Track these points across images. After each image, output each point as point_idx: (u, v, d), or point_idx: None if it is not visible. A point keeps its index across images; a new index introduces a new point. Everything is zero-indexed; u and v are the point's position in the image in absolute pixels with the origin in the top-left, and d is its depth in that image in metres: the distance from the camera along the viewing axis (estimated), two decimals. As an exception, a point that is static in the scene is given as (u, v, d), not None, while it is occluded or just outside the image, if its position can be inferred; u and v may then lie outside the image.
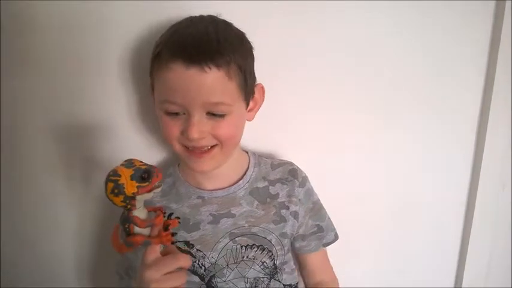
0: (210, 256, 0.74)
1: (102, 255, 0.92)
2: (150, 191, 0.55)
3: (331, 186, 0.87)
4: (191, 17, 0.73)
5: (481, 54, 0.89)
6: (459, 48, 0.88)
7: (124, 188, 0.53)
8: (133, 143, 0.85)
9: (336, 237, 0.84)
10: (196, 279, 0.74)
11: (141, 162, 0.56)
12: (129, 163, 0.56)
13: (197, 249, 0.74)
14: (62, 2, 0.77)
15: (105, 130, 0.84)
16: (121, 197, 0.54)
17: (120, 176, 0.53)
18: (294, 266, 0.81)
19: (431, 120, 0.92)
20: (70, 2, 0.77)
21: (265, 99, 0.79)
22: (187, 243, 0.74)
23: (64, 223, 0.90)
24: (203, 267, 0.74)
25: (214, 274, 0.74)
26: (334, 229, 0.84)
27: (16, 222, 0.89)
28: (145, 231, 0.59)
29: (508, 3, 0.84)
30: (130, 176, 0.53)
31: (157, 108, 0.71)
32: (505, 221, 1.01)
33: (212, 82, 0.65)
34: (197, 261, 0.74)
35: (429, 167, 0.95)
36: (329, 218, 0.84)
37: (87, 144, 0.85)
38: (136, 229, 0.58)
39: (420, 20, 0.86)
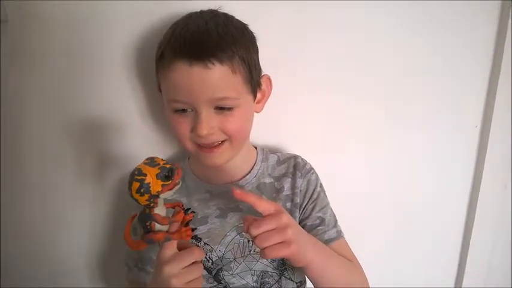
0: (218, 250, 0.75)
1: (111, 253, 0.92)
2: (172, 189, 0.56)
3: (333, 186, 0.87)
4: (190, 13, 0.74)
5: (486, 53, 0.89)
6: (463, 48, 0.89)
7: (150, 187, 0.54)
8: (143, 139, 0.86)
9: (339, 235, 0.78)
10: (204, 272, 0.75)
11: (163, 160, 0.57)
12: (152, 161, 0.56)
13: (205, 243, 0.75)
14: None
15: (113, 126, 0.85)
16: (146, 196, 0.54)
17: (145, 175, 0.54)
18: None
19: (435, 120, 0.93)
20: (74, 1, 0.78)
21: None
22: (194, 236, 0.75)
23: (71, 221, 0.90)
24: (210, 261, 0.75)
25: (221, 267, 0.75)
26: (337, 226, 0.80)
27: (20, 221, 0.89)
28: (165, 227, 0.59)
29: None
30: (156, 174, 0.54)
31: (166, 108, 0.72)
32: (506, 220, 1.02)
33: (216, 78, 0.66)
34: (205, 255, 0.74)
35: (431, 167, 0.96)
36: (333, 215, 0.81)
37: (95, 141, 0.86)
38: (157, 226, 0.58)
39: (424, 20, 0.86)
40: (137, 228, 0.64)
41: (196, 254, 0.61)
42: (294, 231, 0.60)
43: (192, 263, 0.61)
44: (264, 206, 0.60)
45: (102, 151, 0.86)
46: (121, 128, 0.85)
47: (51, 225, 0.90)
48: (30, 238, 0.90)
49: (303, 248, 0.63)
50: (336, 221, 0.81)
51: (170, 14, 0.77)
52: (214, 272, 0.75)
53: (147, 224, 0.58)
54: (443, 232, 1.00)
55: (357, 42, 0.85)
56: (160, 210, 0.58)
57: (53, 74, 0.82)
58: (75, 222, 0.90)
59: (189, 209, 0.65)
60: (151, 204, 0.56)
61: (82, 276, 0.94)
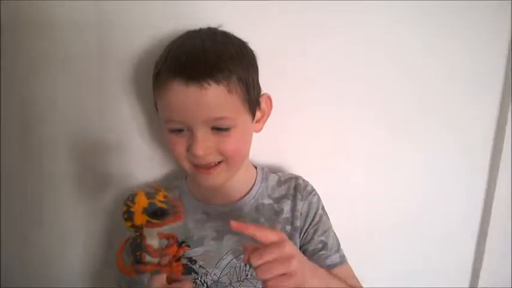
0: (213, 273, 0.72)
1: (107, 262, 0.91)
2: (161, 227, 0.53)
3: (341, 198, 0.86)
4: (188, 31, 0.73)
5: (501, 54, 0.87)
6: (476, 52, 0.87)
7: (133, 217, 0.52)
8: (141, 156, 0.84)
9: (342, 260, 0.76)
10: (198, 296, 0.73)
11: (166, 197, 0.54)
12: (152, 194, 0.54)
13: (200, 266, 0.73)
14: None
15: (113, 141, 0.83)
16: (129, 223, 0.52)
17: (134, 204, 0.52)
18: None
19: (447, 127, 0.90)
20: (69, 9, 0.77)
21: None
22: (189, 258, 0.73)
23: (69, 229, 0.88)
24: (205, 284, 0.72)
25: (216, 292, 0.73)
26: (340, 250, 0.77)
27: (17, 224, 0.87)
28: (156, 259, 0.57)
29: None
30: (143, 208, 0.52)
31: (163, 127, 0.71)
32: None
33: (212, 98, 0.65)
34: (199, 278, 0.72)
35: (445, 171, 0.93)
36: (336, 238, 0.78)
37: (95, 155, 0.84)
38: (147, 258, 0.56)
39: (437, 29, 0.85)
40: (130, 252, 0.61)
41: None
42: (299, 261, 0.57)
43: None
44: (265, 236, 0.57)
45: (102, 165, 0.84)
46: (119, 144, 0.83)
47: (48, 243, 0.88)
48: (27, 254, 0.89)
49: (310, 281, 0.60)
50: (339, 245, 0.78)
51: (172, 30, 0.76)
52: (209, 297, 0.73)
53: (137, 254, 0.55)
54: (457, 238, 0.98)
55: (364, 48, 0.84)
56: (152, 241, 0.56)
57: (49, 86, 0.81)
58: (71, 239, 0.89)
59: (184, 242, 0.63)
60: (137, 233, 0.54)
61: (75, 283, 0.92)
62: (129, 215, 0.52)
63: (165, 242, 0.59)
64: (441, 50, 0.86)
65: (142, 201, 0.52)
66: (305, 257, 0.64)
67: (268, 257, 0.55)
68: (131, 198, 0.53)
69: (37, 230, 0.87)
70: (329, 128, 0.87)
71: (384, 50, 0.85)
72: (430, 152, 0.92)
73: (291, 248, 0.57)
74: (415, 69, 0.86)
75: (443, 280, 0.99)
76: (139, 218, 0.52)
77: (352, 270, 0.77)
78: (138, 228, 0.53)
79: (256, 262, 0.55)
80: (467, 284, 1.00)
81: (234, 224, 0.56)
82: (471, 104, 0.90)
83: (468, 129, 0.91)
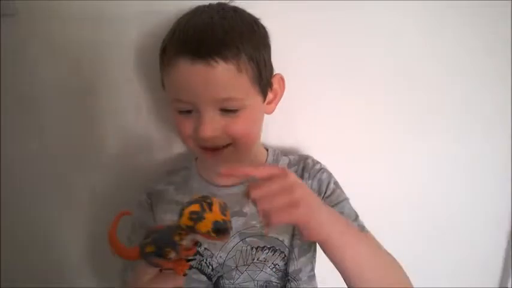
0: (218, 256, 0.71)
1: (107, 256, 0.90)
2: (211, 240, 0.51)
3: (360, 192, 0.81)
4: (197, 7, 0.70)
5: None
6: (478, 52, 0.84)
7: (201, 222, 0.49)
8: (151, 138, 0.83)
9: (362, 229, 0.69)
10: (204, 278, 0.71)
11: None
12: (223, 208, 0.51)
13: (205, 248, 0.71)
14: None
15: (119, 126, 0.83)
16: (188, 223, 0.49)
17: (211, 212, 0.49)
18: (312, 272, 0.75)
19: (466, 122, 0.88)
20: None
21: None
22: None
23: (67, 225, 0.88)
24: (210, 267, 0.71)
25: (222, 275, 0.71)
26: (358, 220, 0.71)
27: (17, 224, 0.87)
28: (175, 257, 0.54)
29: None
30: (215, 221, 0.49)
31: (170, 106, 0.69)
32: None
33: (220, 77, 0.62)
34: (204, 260, 0.71)
35: (471, 170, 0.91)
36: (353, 210, 0.72)
37: (95, 143, 0.83)
38: (171, 255, 0.53)
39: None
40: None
41: (179, 281, 0.56)
42: (304, 191, 0.52)
43: None
44: (263, 170, 0.52)
45: (103, 155, 0.84)
46: (129, 124, 0.83)
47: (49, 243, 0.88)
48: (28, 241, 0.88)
49: (317, 214, 0.53)
50: (356, 216, 0.72)
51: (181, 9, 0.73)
52: (215, 279, 0.71)
53: (167, 249, 0.52)
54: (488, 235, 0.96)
55: (379, 42, 0.81)
56: (187, 242, 0.53)
57: (60, 72, 0.79)
58: (69, 226, 0.88)
59: (201, 244, 0.62)
60: (182, 232, 0.51)
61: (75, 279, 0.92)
62: (198, 218, 0.49)
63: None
64: (443, 50, 0.84)
65: (217, 214, 0.49)
66: (314, 193, 0.58)
67: (268, 187, 0.51)
68: (209, 204, 0.50)
69: (37, 230, 0.87)
70: (345, 109, 0.85)
71: (407, 37, 0.83)
72: (458, 152, 0.90)
73: (294, 178, 0.53)
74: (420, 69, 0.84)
75: (472, 281, 0.95)
76: (204, 226, 0.49)
77: (375, 239, 0.68)
78: (186, 229, 0.51)
79: (255, 193, 0.50)
80: (496, 284, 0.97)
81: (224, 170, 0.52)
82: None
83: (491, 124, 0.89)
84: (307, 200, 0.52)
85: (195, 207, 0.49)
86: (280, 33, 0.72)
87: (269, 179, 0.51)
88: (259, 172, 0.52)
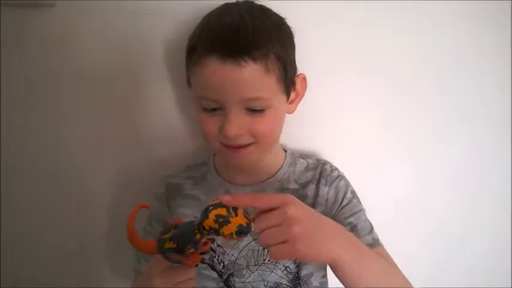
0: (230, 253, 0.71)
1: (108, 255, 0.91)
2: (227, 239, 0.52)
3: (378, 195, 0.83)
4: (225, 4, 0.70)
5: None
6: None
7: (226, 225, 0.50)
8: (174, 131, 0.84)
9: (376, 243, 0.69)
10: (214, 275, 0.71)
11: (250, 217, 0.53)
12: (246, 212, 0.53)
13: (218, 245, 0.71)
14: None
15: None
16: (213, 225, 0.51)
17: (236, 216, 0.51)
18: (324, 279, 0.75)
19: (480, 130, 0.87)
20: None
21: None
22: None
23: (68, 223, 0.88)
24: (222, 264, 0.71)
25: (232, 273, 0.71)
26: (372, 233, 0.70)
27: (17, 221, 0.87)
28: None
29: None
30: (240, 225, 0.50)
31: (195, 104, 0.69)
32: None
33: (249, 77, 0.62)
34: (216, 257, 0.71)
35: (479, 172, 0.90)
36: (368, 222, 0.72)
37: (116, 133, 0.84)
38: (190, 251, 0.55)
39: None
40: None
41: (191, 273, 0.58)
42: (304, 226, 0.51)
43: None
44: (263, 201, 0.52)
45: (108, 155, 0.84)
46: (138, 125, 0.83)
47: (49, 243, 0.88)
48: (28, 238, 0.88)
49: (319, 245, 0.53)
50: (371, 228, 0.71)
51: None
52: (225, 277, 0.71)
53: (188, 247, 0.53)
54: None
55: (406, 42, 0.80)
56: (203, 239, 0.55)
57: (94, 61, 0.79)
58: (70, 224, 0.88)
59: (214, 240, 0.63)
60: (204, 232, 0.52)
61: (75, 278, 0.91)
62: (224, 221, 0.50)
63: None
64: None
65: (241, 218, 0.51)
66: (331, 221, 0.58)
67: (268, 222, 0.51)
68: (234, 209, 0.51)
69: (37, 229, 0.87)
70: (366, 113, 0.84)
71: (436, 39, 0.81)
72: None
73: (295, 211, 0.51)
74: (461, 57, 0.83)
75: (483, 280, 0.95)
76: (229, 229, 0.50)
77: (388, 255, 0.68)
78: (209, 230, 0.52)
79: (256, 227, 0.51)
80: (509, 284, 0.96)
81: (225, 198, 0.51)
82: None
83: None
84: (305, 235, 0.51)
85: (222, 211, 0.51)
86: (302, 33, 0.72)
87: (269, 210, 0.51)
88: (260, 203, 0.52)
